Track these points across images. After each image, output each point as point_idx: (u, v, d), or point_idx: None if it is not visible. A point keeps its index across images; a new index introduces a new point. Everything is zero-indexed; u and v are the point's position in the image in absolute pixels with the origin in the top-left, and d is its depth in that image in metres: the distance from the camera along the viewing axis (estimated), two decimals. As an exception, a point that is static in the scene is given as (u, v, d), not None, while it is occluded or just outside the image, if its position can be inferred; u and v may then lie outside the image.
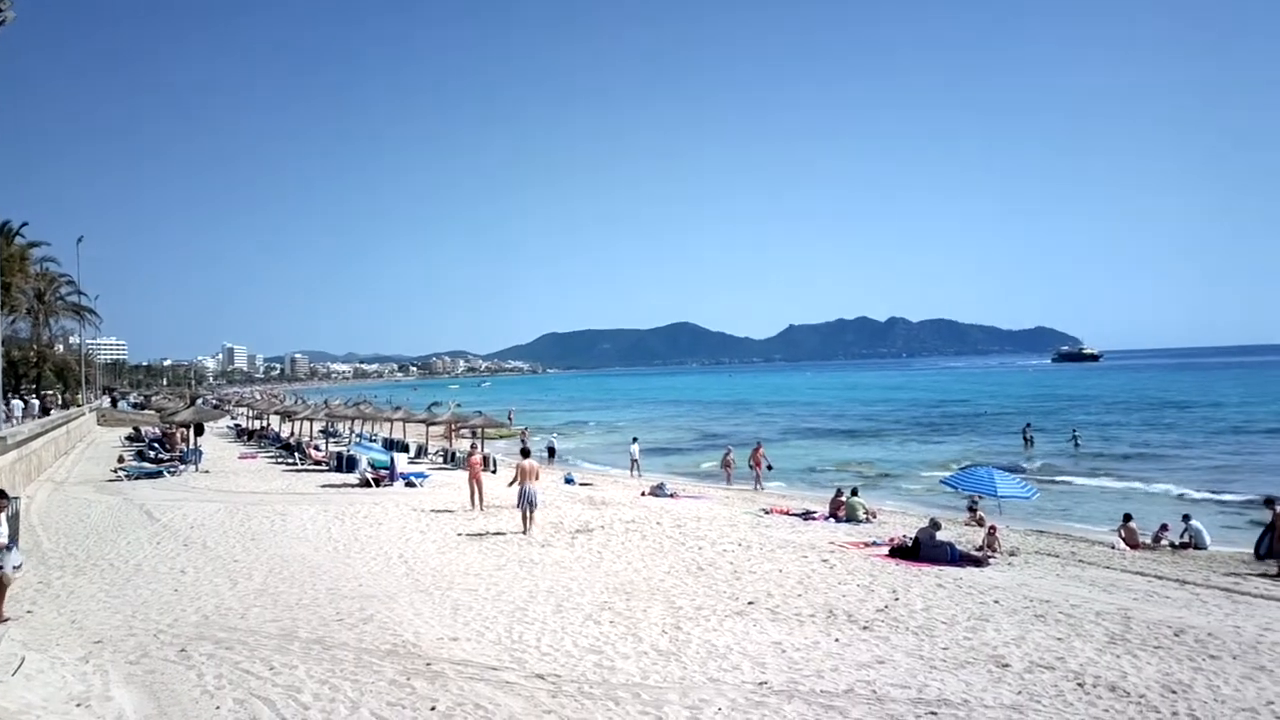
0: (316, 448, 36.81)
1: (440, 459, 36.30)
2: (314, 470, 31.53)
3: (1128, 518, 20.03)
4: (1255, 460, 36.59)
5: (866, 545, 17.37)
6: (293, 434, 44.70)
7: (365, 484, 26.01)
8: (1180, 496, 27.45)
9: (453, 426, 42.82)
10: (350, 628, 10.11)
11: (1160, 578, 15.25)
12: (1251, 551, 17.33)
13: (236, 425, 59.70)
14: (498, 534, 17.14)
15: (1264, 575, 15.99)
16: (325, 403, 59.27)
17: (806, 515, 22.02)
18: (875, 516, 21.97)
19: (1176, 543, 19.39)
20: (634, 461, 34.74)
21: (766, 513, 22.54)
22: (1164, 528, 20.08)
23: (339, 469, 29.92)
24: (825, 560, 15.24)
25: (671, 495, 25.89)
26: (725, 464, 32.54)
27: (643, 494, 26.15)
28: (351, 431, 48.30)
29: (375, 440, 43.19)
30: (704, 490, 29.20)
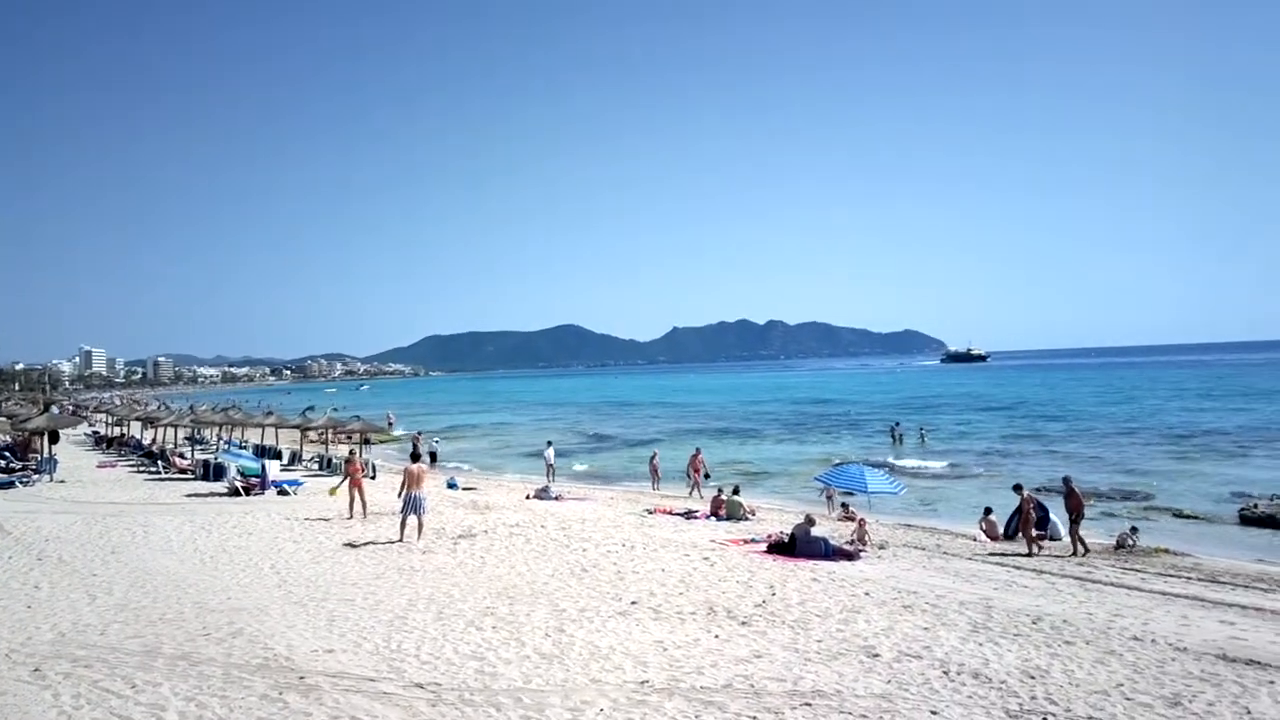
0: (181, 455, 35.17)
1: (315, 465, 35.17)
2: (179, 479, 30.10)
3: (988, 511, 21.17)
4: (1106, 455, 39.16)
5: (746, 542, 17.78)
6: (155, 441, 42.76)
7: (234, 492, 25.03)
8: (1038, 489, 29.11)
9: (329, 432, 41.56)
10: (218, 642, 9.72)
11: (1019, 568, 16.19)
12: (1106, 541, 18.69)
13: (95, 432, 56.99)
14: (376, 542, 16.74)
15: (1017, 554, 17.73)
16: (191, 408, 56.49)
17: (689, 514, 22.39)
18: (754, 514, 22.52)
19: (1034, 534, 20.56)
20: (549, 466, 33.63)
21: (650, 513, 22.81)
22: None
23: (206, 477, 28.84)
24: (706, 558, 15.54)
25: (557, 498, 25.89)
26: (652, 468, 31.72)
27: (527, 497, 26.05)
28: (219, 438, 46.48)
29: (245, 447, 41.49)
30: (589, 492, 29.29)
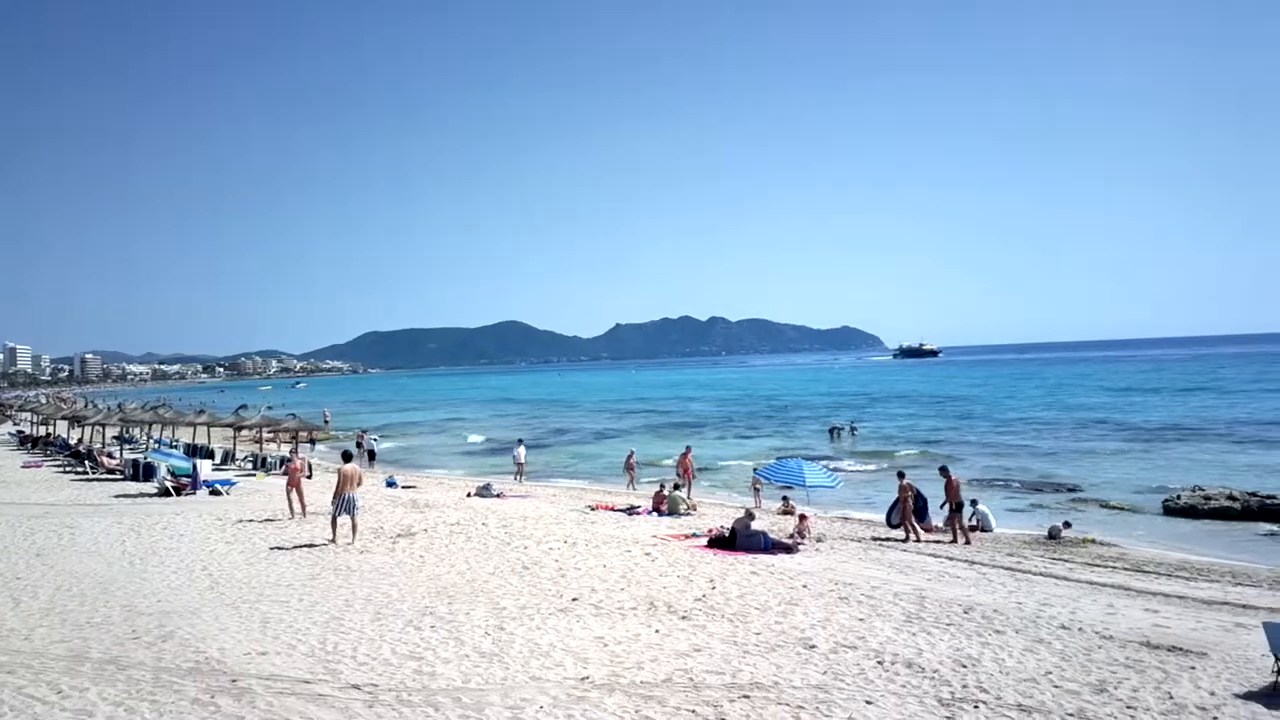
0: (110, 455, 34.08)
1: (249, 465, 34.41)
2: (107, 479, 29.19)
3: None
4: (1037, 447, 40.27)
5: (687, 537, 17.88)
6: (83, 440, 41.32)
7: (165, 493, 24.35)
8: (970, 482, 29.80)
9: (263, 431, 40.75)
10: (148, 646, 9.47)
11: (951, 559, 16.56)
12: (1035, 532, 19.26)
13: (19, 432, 55.02)
14: (312, 543, 16.43)
15: (897, 540, 18.48)
16: (120, 406, 54.97)
17: (631, 510, 22.44)
18: (696, 509, 22.66)
19: (966, 526, 21.01)
20: (520, 465, 32.43)
21: (592, 509, 22.81)
22: (955, 511, 21.72)
23: (135, 477, 28.00)
24: (648, 554, 15.59)
25: (498, 495, 25.72)
26: (629, 466, 30.45)
27: (469, 495, 25.83)
28: (149, 437, 45.26)
29: (176, 446, 40.41)
30: (531, 490, 29.15)
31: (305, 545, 16.20)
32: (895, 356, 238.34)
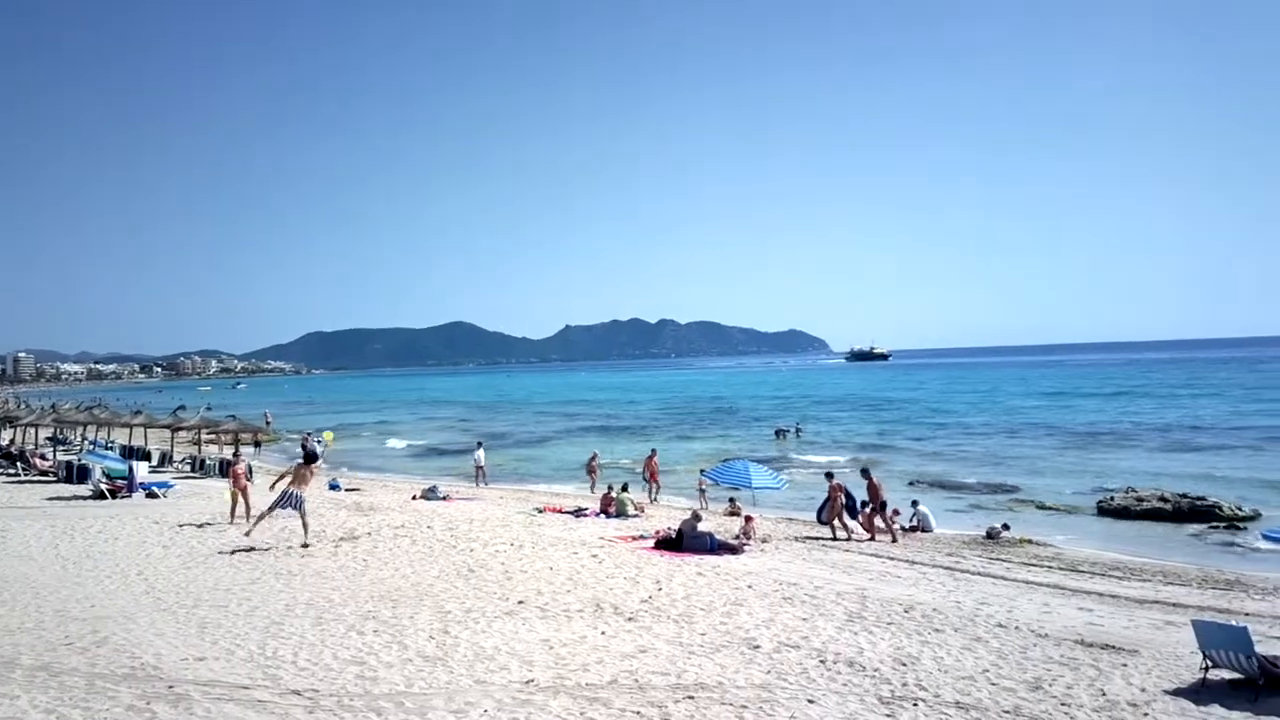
0: (43, 456, 33.19)
1: (188, 467, 33.64)
2: (39, 481, 28.40)
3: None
4: (977, 449, 41.12)
5: (634, 539, 17.92)
6: (14, 442, 40.09)
7: (99, 495, 23.75)
8: (911, 484, 30.33)
9: (202, 432, 39.91)
10: (81, 651, 9.21)
11: (892, 559, 16.83)
12: (974, 532, 19.71)
13: (-54, 434, 52.75)
14: (252, 548, 16.11)
15: (821, 538, 18.91)
16: (53, 407, 53.34)
17: (578, 512, 22.41)
18: (643, 511, 22.72)
19: (907, 526, 21.41)
20: (479, 469, 31.83)
21: (540, 511, 22.73)
22: (895, 513, 22.09)
23: (69, 479, 27.33)
24: (595, 555, 15.59)
25: (444, 498, 25.52)
26: (591, 469, 29.71)
27: (414, 498, 25.59)
28: (83, 438, 44.07)
29: (111, 448, 39.37)
30: (478, 492, 28.94)
31: (245, 549, 15.88)
32: (847, 359, 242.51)
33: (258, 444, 44.83)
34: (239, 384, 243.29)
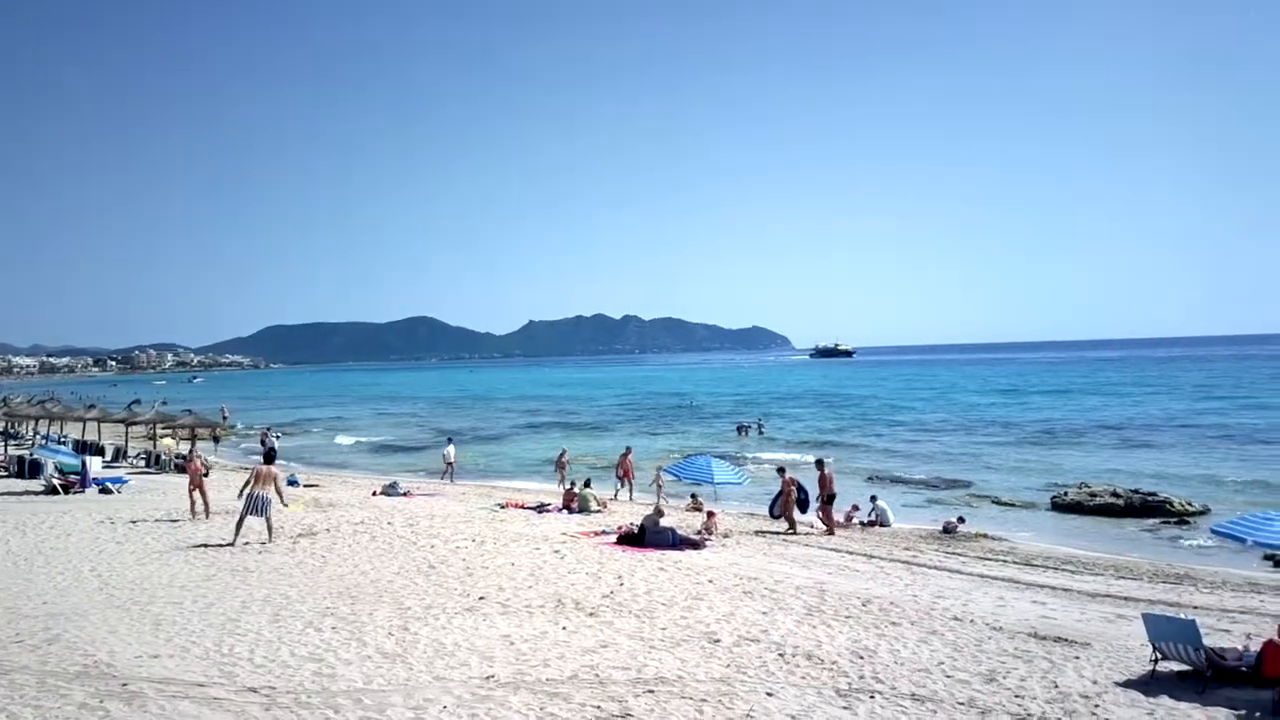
0: (-9, 452, 32.37)
1: (143, 462, 33.06)
2: (-11, 477, 27.73)
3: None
4: (934, 445, 41.69)
5: (597, 534, 17.94)
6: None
7: (52, 490, 23.32)
8: (870, 479, 30.69)
9: (158, 427, 39.22)
10: (32, 649, 9.03)
11: (851, 553, 17.02)
12: (931, 527, 20.02)
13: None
14: (208, 544, 15.88)
15: (777, 533, 19.15)
16: (4, 400, 52.23)
17: (541, 508, 22.38)
18: (606, 506, 22.74)
19: (865, 521, 21.67)
20: (449, 465, 31.43)
21: (502, 507, 22.68)
22: (855, 508, 22.37)
23: (20, 475, 26.91)
24: (557, 551, 15.58)
25: (405, 494, 25.32)
26: (560, 465, 29.09)
27: (374, 494, 25.37)
28: (35, 433, 43.17)
29: (64, 442, 38.57)
30: (440, 488, 28.76)
31: (200, 545, 15.67)
32: (812, 356, 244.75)
33: (216, 439, 44.17)
34: (195, 378, 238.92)
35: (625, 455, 27.22)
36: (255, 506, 15.62)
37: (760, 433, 48.57)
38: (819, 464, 20.80)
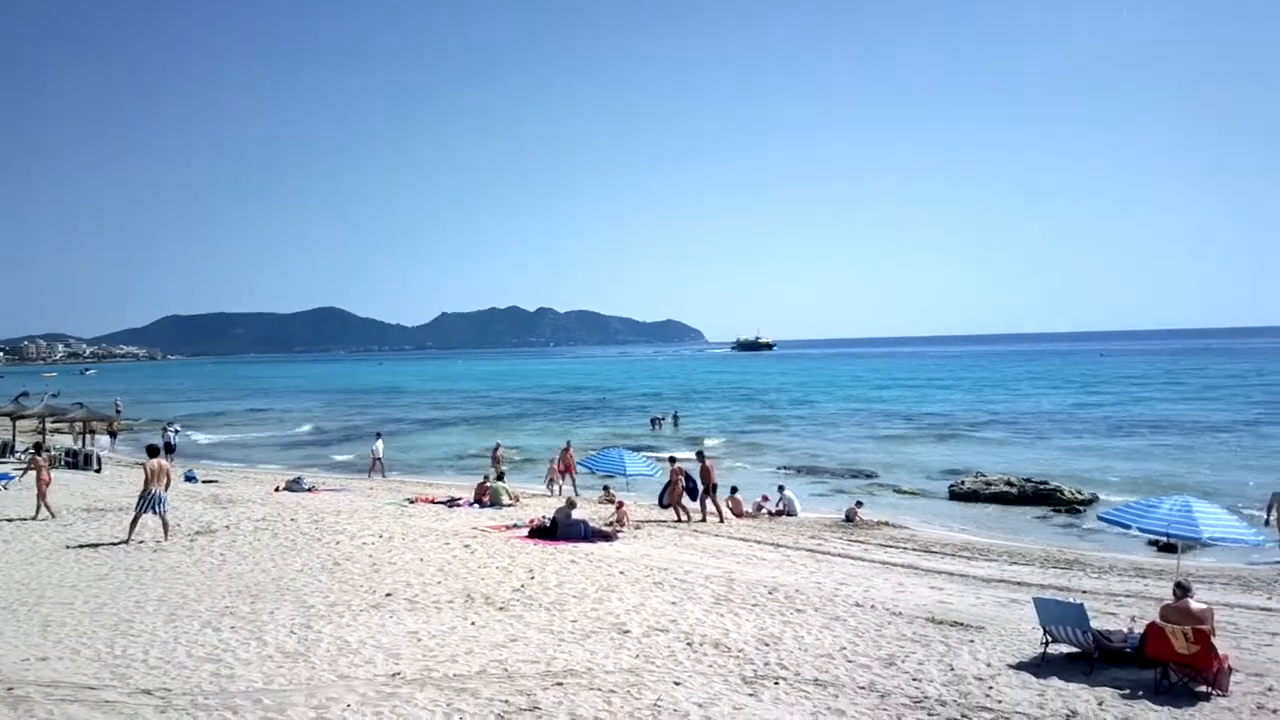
0: None
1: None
2: None
3: (734, 490, 22.51)
4: (840, 436, 42.78)
5: (509, 528, 17.85)
6: None
7: (-73, 490, 21.91)
8: (778, 469, 31.29)
9: (47, 421, 37.35)
10: (-94, 657, 8.53)
11: (759, 542, 17.36)
12: (836, 515, 20.55)
13: None
14: (99, 542, 15.21)
15: (664, 521, 19.65)
16: None
17: (451, 502, 22.14)
18: (519, 500, 22.62)
19: (773, 511, 22.11)
20: (376, 460, 30.57)
21: (411, 502, 22.34)
22: (764, 498, 22.80)
23: (-107, 473, 25.00)
24: (467, 546, 15.45)
25: (310, 489, 24.71)
26: (495, 460, 28.02)
27: (277, 489, 24.68)
28: (-90, 428, 40.41)
29: (-57, 438, 36.33)
30: (347, 483, 28.15)
31: (93, 544, 14.99)
32: (733, 349, 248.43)
33: (114, 434, 42.23)
34: (88, 369, 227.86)
35: (566, 450, 27.00)
36: (151, 504, 15.04)
37: (675, 425, 49.02)
38: (699, 455, 21.24)
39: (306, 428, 55.93)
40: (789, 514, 21.83)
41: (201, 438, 49.34)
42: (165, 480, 15.26)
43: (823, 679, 8.46)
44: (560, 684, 8.01)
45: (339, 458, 39.45)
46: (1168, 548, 16.60)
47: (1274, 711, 7.94)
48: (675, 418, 51.11)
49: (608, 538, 16.67)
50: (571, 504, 17.68)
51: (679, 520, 19.75)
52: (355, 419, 62.59)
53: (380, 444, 31.40)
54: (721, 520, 19.92)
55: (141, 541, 14.97)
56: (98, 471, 28.45)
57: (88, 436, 36.41)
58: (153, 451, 15.95)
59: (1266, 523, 18.29)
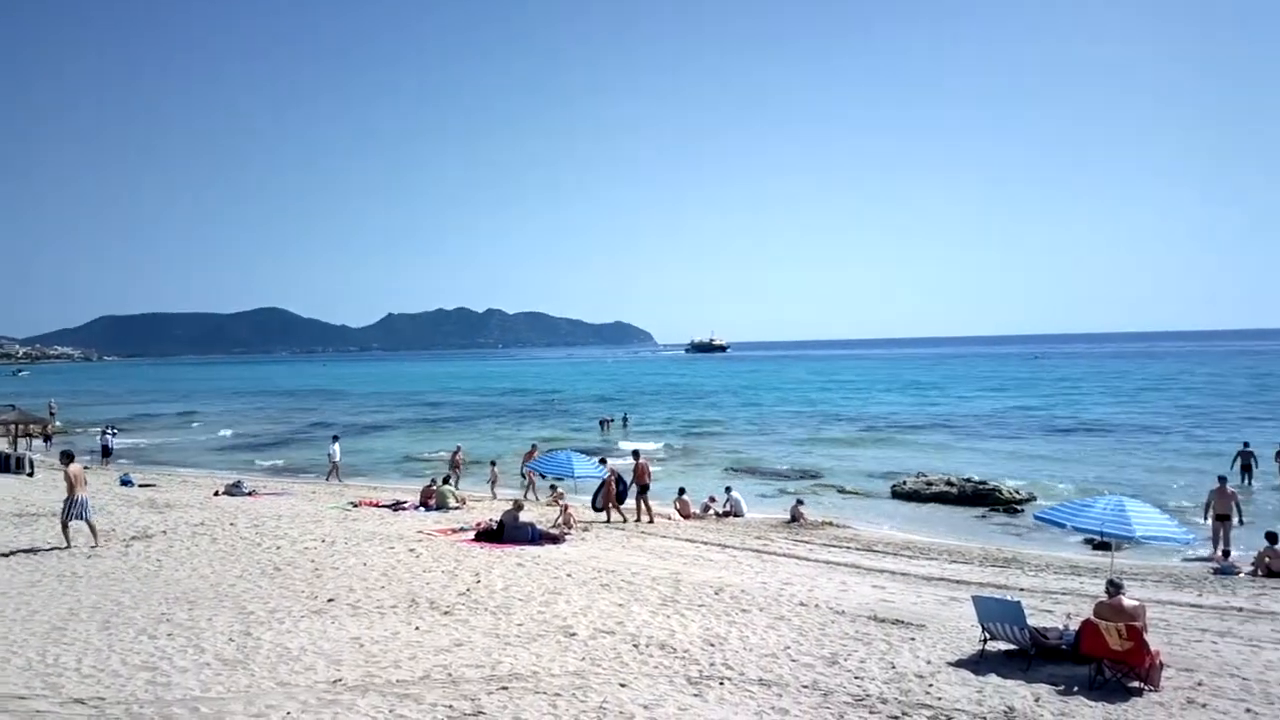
0: None
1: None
2: None
3: (681, 491, 22.65)
4: (784, 437, 43.15)
5: (455, 531, 17.72)
6: None
7: None
8: (725, 470, 31.51)
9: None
10: None
11: (706, 543, 17.47)
12: (782, 516, 20.77)
13: None
14: (32, 548, 14.75)
15: (610, 523, 19.85)
16: None
17: (396, 506, 21.90)
18: (465, 503, 22.46)
19: (720, 511, 22.27)
20: (334, 465, 29.87)
21: (355, 505, 22.05)
22: (711, 499, 22.96)
23: None
24: (412, 550, 15.30)
25: (250, 493, 24.22)
26: (455, 464, 27.44)
27: (216, 494, 24.15)
28: None
29: None
30: (288, 487, 27.67)
31: (25, 550, 14.53)
32: (687, 350, 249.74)
33: (48, 437, 40.97)
34: (20, 370, 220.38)
35: (531, 452, 26.75)
36: (77, 511, 14.69)
37: (624, 427, 49.13)
38: (635, 454, 21.36)
39: (244, 430, 54.77)
40: (736, 515, 22.00)
41: (138, 441, 48.07)
42: (84, 484, 14.93)
43: (767, 678, 8.56)
44: (505, 688, 7.99)
45: (277, 461, 38.75)
46: (1102, 546, 17.04)
47: (1203, 705, 8.21)
48: (625, 419, 51.22)
49: (555, 540, 16.64)
50: (519, 506, 17.62)
51: (611, 521, 19.79)
52: (295, 420, 61.51)
53: (337, 447, 30.75)
54: (651, 520, 19.96)
55: (74, 548, 14.55)
56: (30, 475, 27.60)
57: (21, 440, 35.33)
58: (68, 457, 15.50)
59: (1205, 519, 18.66)
